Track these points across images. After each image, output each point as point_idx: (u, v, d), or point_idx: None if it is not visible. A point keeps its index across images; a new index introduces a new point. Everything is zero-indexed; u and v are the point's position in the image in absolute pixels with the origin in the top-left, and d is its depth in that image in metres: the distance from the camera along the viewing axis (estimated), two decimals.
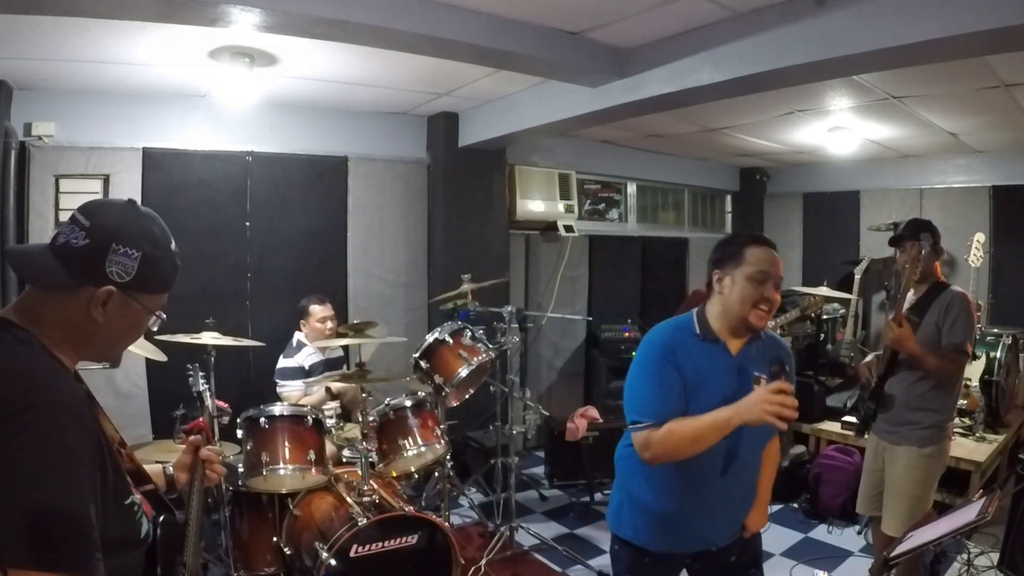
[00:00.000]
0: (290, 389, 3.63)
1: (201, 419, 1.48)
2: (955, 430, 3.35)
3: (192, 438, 1.45)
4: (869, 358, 2.91)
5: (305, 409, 2.96)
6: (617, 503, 1.93)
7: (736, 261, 1.73)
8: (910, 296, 2.69)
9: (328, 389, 3.50)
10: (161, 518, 1.15)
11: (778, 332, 3.96)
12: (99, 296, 1.03)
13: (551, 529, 3.90)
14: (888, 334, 2.55)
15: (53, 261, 1.03)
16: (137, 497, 1.09)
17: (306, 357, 3.73)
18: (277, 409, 2.90)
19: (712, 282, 1.78)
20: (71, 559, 0.88)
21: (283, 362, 3.70)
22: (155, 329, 1.19)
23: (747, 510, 1.90)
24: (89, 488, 0.93)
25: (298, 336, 3.80)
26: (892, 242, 2.84)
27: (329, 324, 3.74)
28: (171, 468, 1.42)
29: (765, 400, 1.53)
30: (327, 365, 3.78)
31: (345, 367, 3.91)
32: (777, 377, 1.61)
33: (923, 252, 2.57)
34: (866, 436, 2.89)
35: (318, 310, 3.73)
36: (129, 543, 1.06)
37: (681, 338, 1.77)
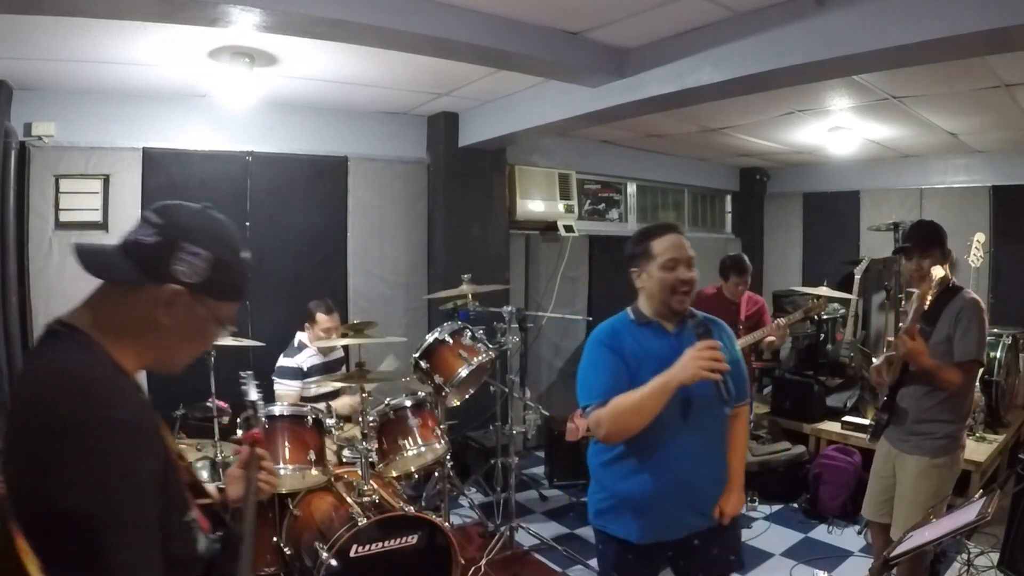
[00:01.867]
0: (286, 388, 3.62)
1: (257, 430, 1.37)
2: None
3: (246, 450, 1.34)
4: (879, 361, 2.81)
5: (305, 409, 2.96)
6: (596, 500, 1.99)
7: (646, 256, 1.88)
8: (915, 304, 2.61)
9: (329, 407, 3.47)
10: (219, 533, 1.10)
11: (780, 332, 3.97)
12: (164, 294, 1.00)
13: (551, 529, 3.90)
14: (901, 347, 2.46)
15: (121, 257, 1.00)
16: (194, 513, 1.05)
17: (306, 359, 3.72)
18: (277, 409, 2.90)
19: (633, 280, 1.93)
20: None
21: (283, 361, 3.71)
22: (221, 340, 1.16)
23: (719, 491, 1.93)
24: (153, 508, 0.90)
25: (300, 336, 3.80)
26: (898, 252, 2.75)
27: (332, 335, 3.73)
28: (222, 485, 1.35)
29: (695, 357, 1.68)
30: (326, 368, 3.78)
31: (344, 368, 3.90)
32: (703, 337, 1.75)
33: (943, 275, 2.46)
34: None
35: (324, 320, 3.71)
36: (187, 561, 1.01)
37: (620, 328, 1.92)
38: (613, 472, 1.92)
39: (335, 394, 3.81)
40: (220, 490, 1.32)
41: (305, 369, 3.70)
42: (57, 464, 0.86)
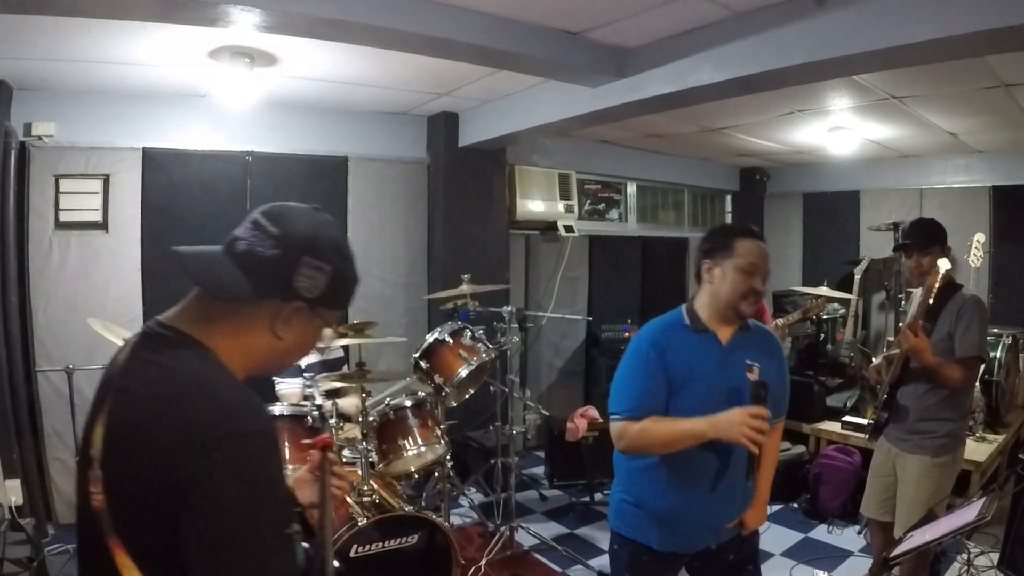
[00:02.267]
0: (288, 387, 3.62)
1: (327, 435, 1.33)
2: None
3: (324, 455, 1.24)
4: (879, 360, 2.84)
5: (305, 409, 2.96)
6: (618, 501, 1.93)
7: (727, 252, 1.76)
8: (919, 298, 2.62)
9: (335, 404, 3.47)
10: (308, 544, 1.05)
11: (779, 332, 3.97)
12: (287, 312, 0.95)
13: (551, 529, 3.90)
14: (904, 343, 2.45)
15: (235, 270, 0.93)
16: (296, 524, 1.01)
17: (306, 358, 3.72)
18: (277, 409, 2.89)
19: (702, 272, 1.82)
20: None
21: None
22: (323, 347, 1.14)
23: (746, 506, 1.89)
24: (284, 524, 0.87)
25: None
26: (898, 249, 2.75)
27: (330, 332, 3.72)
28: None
29: (742, 423, 1.57)
30: (324, 366, 3.78)
31: (345, 368, 3.90)
32: (758, 400, 1.63)
33: (950, 267, 2.46)
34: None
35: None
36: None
37: (671, 332, 1.81)
38: (640, 480, 1.85)
39: (336, 393, 3.81)
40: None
41: (303, 366, 3.70)
42: (196, 483, 0.82)
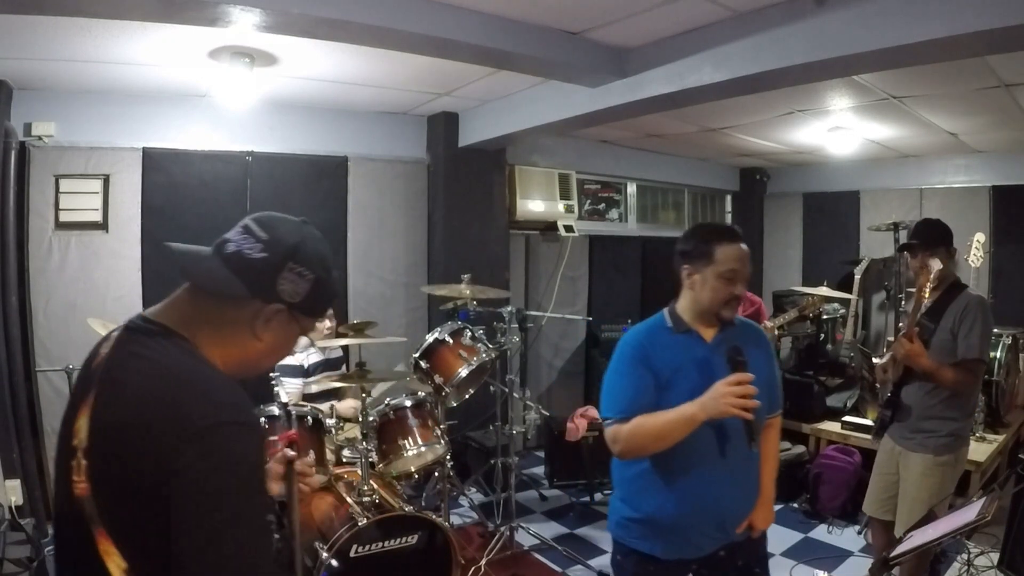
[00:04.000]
0: (288, 387, 3.62)
1: (293, 431, 1.39)
2: None
3: (288, 452, 1.34)
4: (885, 359, 2.81)
5: (305, 409, 2.96)
6: (617, 509, 1.89)
7: (707, 260, 1.75)
8: (913, 303, 2.62)
9: (332, 407, 3.47)
10: (278, 535, 1.11)
11: (776, 332, 3.96)
12: (267, 313, 1.00)
13: (551, 529, 3.90)
14: (899, 350, 2.47)
15: (224, 270, 0.98)
16: (271, 515, 1.07)
17: (307, 356, 3.72)
18: (277, 409, 2.89)
19: (682, 277, 1.82)
20: None
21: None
22: (298, 352, 1.17)
23: (752, 506, 1.86)
24: (268, 511, 0.92)
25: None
26: (903, 249, 2.75)
27: (328, 324, 3.73)
28: None
29: (724, 393, 1.58)
30: (327, 365, 3.78)
31: (344, 367, 3.90)
32: (736, 366, 1.64)
33: (941, 267, 2.46)
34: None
35: (319, 326, 3.72)
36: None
37: (654, 335, 1.82)
38: (638, 487, 1.82)
39: (336, 393, 3.81)
40: None
41: (307, 367, 3.70)
42: (184, 470, 0.84)
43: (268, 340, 1.03)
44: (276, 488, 1.33)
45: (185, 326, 0.98)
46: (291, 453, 1.34)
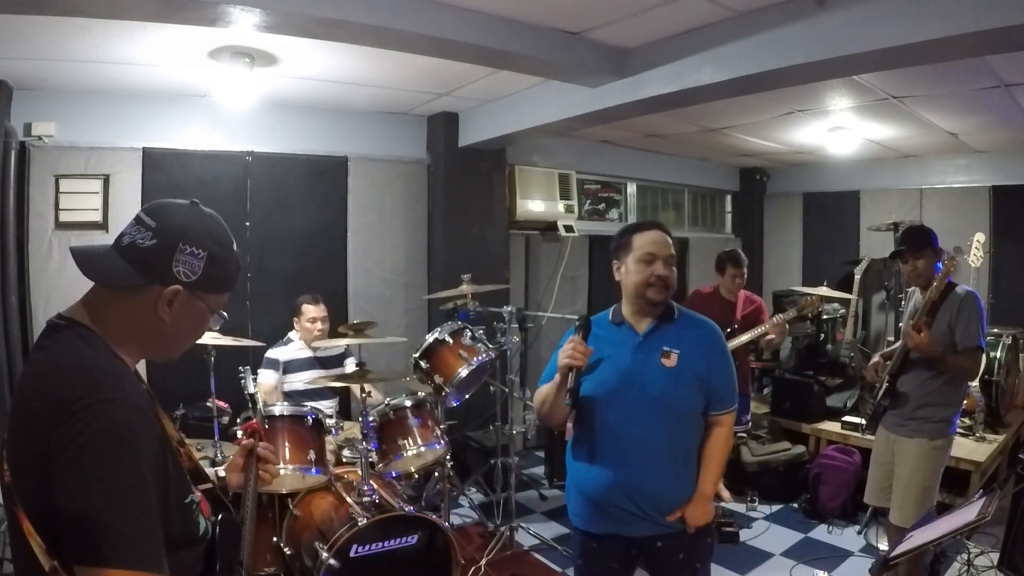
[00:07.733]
0: (261, 378, 3.61)
1: (255, 420, 1.47)
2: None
3: (246, 441, 1.44)
4: (875, 359, 3.07)
5: (305, 409, 2.96)
6: (566, 489, 2.05)
7: (627, 249, 1.91)
8: (919, 297, 2.85)
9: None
10: (220, 517, 1.16)
11: (777, 330, 3.94)
12: (166, 295, 1.04)
13: (551, 529, 3.90)
14: (909, 341, 2.70)
15: (120, 261, 1.04)
16: (197, 496, 1.11)
17: (286, 352, 3.72)
18: (277, 409, 2.90)
19: (615, 274, 1.97)
20: (137, 556, 0.89)
21: (268, 351, 3.72)
22: (216, 328, 1.19)
23: (680, 496, 1.85)
24: (153, 485, 0.94)
25: (290, 332, 3.82)
26: (894, 257, 2.95)
27: (319, 325, 3.72)
28: (223, 471, 1.42)
29: (564, 349, 1.78)
30: (320, 364, 3.77)
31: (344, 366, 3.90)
32: (579, 330, 1.84)
33: (942, 266, 2.72)
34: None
35: (310, 310, 3.73)
36: (188, 541, 1.07)
37: (599, 324, 1.97)
38: (571, 456, 1.98)
39: (335, 392, 3.80)
40: (220, 478, 1.39)
41: (283, 361, 3.69)
42: (63, 446, 0.89)
43: (175, 321, 1.06)
44: (235, 479, 1.40)
45: (95, 320, 1.04)
46: (249, 441, 1.43)
